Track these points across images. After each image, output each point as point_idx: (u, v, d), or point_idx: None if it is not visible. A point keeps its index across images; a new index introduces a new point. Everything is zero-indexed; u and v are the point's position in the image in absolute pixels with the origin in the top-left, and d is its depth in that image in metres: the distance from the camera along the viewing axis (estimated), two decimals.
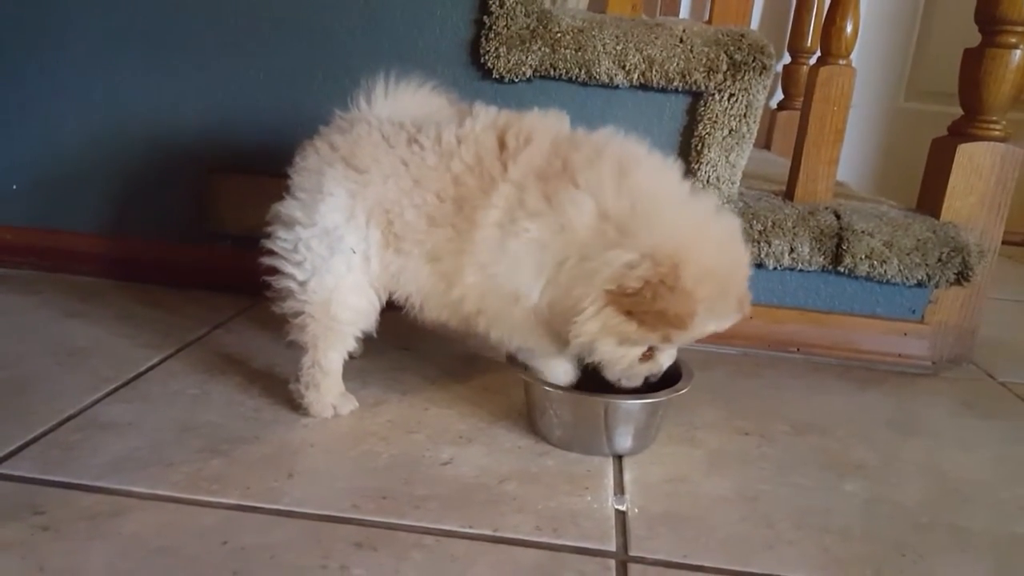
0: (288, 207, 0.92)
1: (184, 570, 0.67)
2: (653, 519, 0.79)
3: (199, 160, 1.34)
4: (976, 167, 1.24)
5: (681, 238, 0.80)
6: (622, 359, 0.86)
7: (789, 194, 1.31)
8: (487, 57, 1.20)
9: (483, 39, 1.20)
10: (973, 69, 1.23)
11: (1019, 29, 1.20)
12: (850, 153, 1.41)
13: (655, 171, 0.86)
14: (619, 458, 0.91)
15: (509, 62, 1.19)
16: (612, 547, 0.74)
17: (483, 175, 0.86)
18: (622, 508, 0.81)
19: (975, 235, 1.24)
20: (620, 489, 0.84)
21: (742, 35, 1.17)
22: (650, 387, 0.91)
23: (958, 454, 0.99)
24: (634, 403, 0.88)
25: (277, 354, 1.09)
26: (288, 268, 0.92)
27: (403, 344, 1.18)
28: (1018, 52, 1.20)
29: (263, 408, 0.96)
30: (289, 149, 1.31)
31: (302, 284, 0.92)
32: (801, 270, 1.25)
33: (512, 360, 0.94)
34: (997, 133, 1.24)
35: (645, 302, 0.78)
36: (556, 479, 0.85)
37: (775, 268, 1.24)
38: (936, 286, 1.24)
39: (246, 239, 1.36)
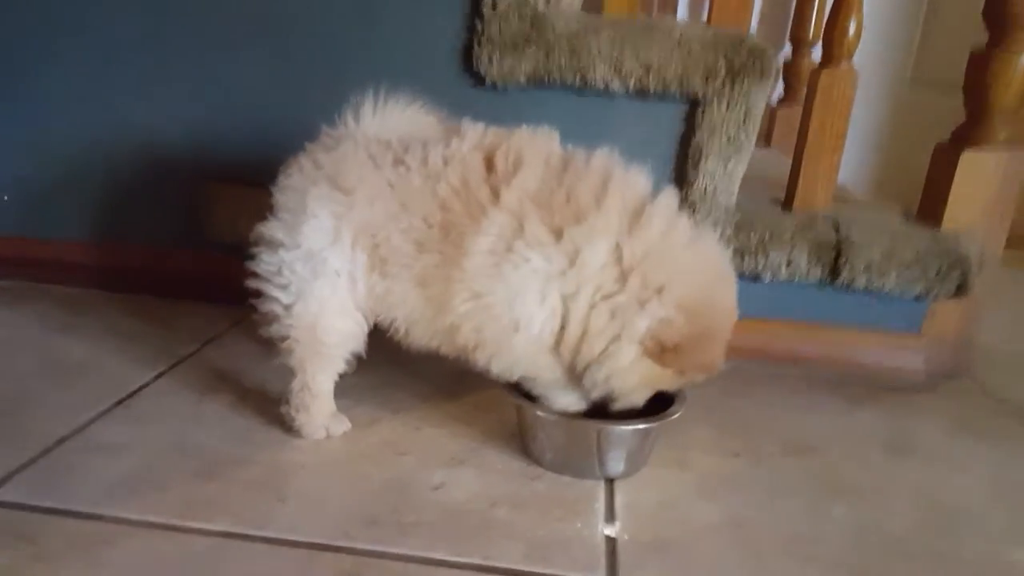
0: (271, 228, 0.91)
1: None
2: (643, 547, 0.79)
3: (194, 170, 1.34)
4: (979, 175, 1.21)
5: (704, 285, 0.83)
6: (642, 398, 0.88)
7: (788, 202, 1.30)
8: (479, 63, 1.18)
9: (476, 44, 1.18)
10: (979, 72, 1.20)
11: None
12: (850, 145, 1.38)
13: (661, 211, 0.85)
14: (611, 481, 0.91)
15: (503, 68, 1.18)
16: None
17: (470, 200, 0.85)
18: (612, 535, 0.81)
19: (975, 245, 1.23)
20: (611, 515, 0.84)
21: (741, 39, 1.15)
22: (643, 409, 0.90)
23: (951, 477, 0.98)
24: (627, 429, 0.88)
25: (268, 370, 1.07)
26: (273, 292, 0.92)
27: (396, 359, 1.17)
28: None
29: (255, 429, 0.97)
30: (283, 160, 1.30)
31: (287, 308, 0.91)
32: (798, 282, 1.24)
33: (506, 385, 0.93)
34: (1001, 140, 1.21)
35: (686, 355, 0.81)
36: (547, 504, 0.85)
37: (771, 280, 1.23)
38: (935, 299, 1.23)
39: (240, 249, 1.36)
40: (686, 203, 1.20)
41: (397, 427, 0.99)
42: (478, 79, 1.20)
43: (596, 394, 0.87)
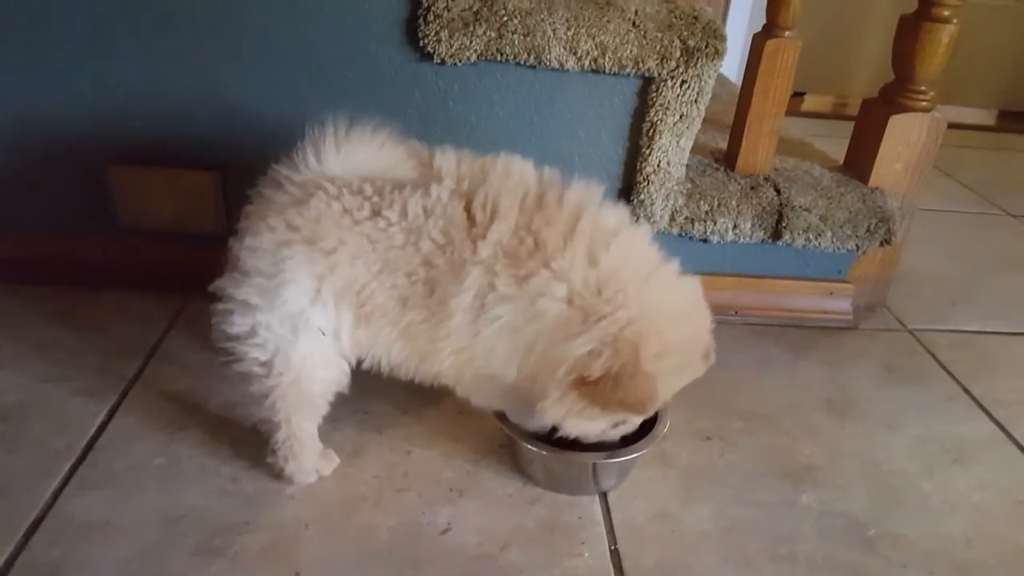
0: (243, 291, 0.83)
1: None
2: (648, 574, 0.86)
3: (99, 152, 1.18)
4: (905, 137, 1.28)
5: (642, 318, 0.79)
6: (590, 432, 0.89)
7: (730, 163, 1.32)
8: (427, 41, 1.08)
9: (421, 21, 1.07)
10: (908, 40, 1.24)
11: (954, 1, 1.20)
12: None
13: (625, 246, 0.83)
14: (604, 494, 0.96)
15: (452, 47, 1.08)
16: None
17: (453, 256, 0.81)
18: (619, 562, 0.87)
19: (899, 200, 1.31)
20: (613, 538, 0.90)
21: (695, 17, 1.10)
22: None
23: (887, 439, 1.10)
24: (620, 461, 0.93)
25: (224, 381, 1.03)
26: (250, 352, 0.86)
27: None
28: (951, 25, 1.20)
29: (241, 477, 0.93)
30: (205, 138, 1.17)
31: (265, 364, 0.86)
32: (742, 243, 1.28)
33: (498, 415, 0.95)
34: (925, 103, 1.27)
35: (607, 391, 0.79)
36: (553, 535, 0.89)
37: (718, 242, 1.27)
38: (863, 253, 1.32)
39: (163, 235, 1.24)
40: (641, 175, 1.19)
41: (386, 454, 0.99)
42: (425, 54, 1.10)
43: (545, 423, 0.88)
